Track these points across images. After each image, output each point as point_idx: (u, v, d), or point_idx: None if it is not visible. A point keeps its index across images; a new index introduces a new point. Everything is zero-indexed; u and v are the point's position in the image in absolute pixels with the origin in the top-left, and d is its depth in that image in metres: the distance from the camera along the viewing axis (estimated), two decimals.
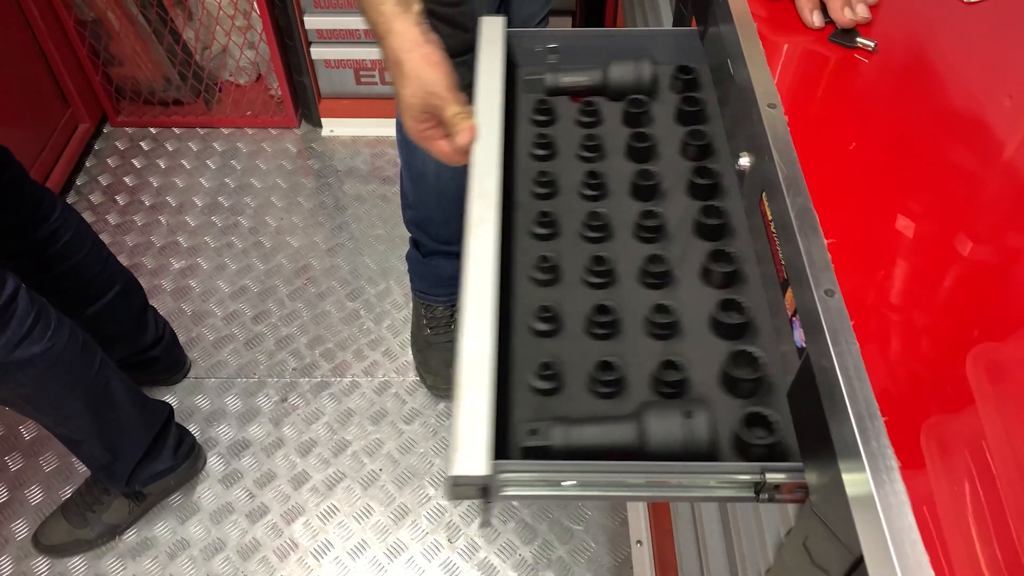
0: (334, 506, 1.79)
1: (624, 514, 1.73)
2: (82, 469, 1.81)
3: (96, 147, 2.59)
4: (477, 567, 1.70)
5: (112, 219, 2.37)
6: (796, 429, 0.71)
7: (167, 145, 2.59)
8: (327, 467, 1.85)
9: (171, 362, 1.97)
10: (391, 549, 1.72)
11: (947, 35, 0.89)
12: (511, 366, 0.79)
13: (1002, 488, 0.53)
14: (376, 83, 2.52)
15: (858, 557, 0.54)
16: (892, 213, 0.72)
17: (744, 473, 0.67)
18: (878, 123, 0.79)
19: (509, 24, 1.51)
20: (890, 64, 0.85)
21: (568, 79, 1.04)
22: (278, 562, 1.71)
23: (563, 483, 0.68)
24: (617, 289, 0.85)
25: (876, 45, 0.85)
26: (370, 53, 2.43)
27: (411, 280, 1.97)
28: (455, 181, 1.60)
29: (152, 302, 1.88)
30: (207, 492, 1.81)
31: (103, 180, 2.48)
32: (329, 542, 1.73)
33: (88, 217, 2.35)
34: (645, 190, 0.92)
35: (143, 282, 1.85)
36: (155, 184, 2.47)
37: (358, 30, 2.38)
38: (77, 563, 1.70)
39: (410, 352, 2.03)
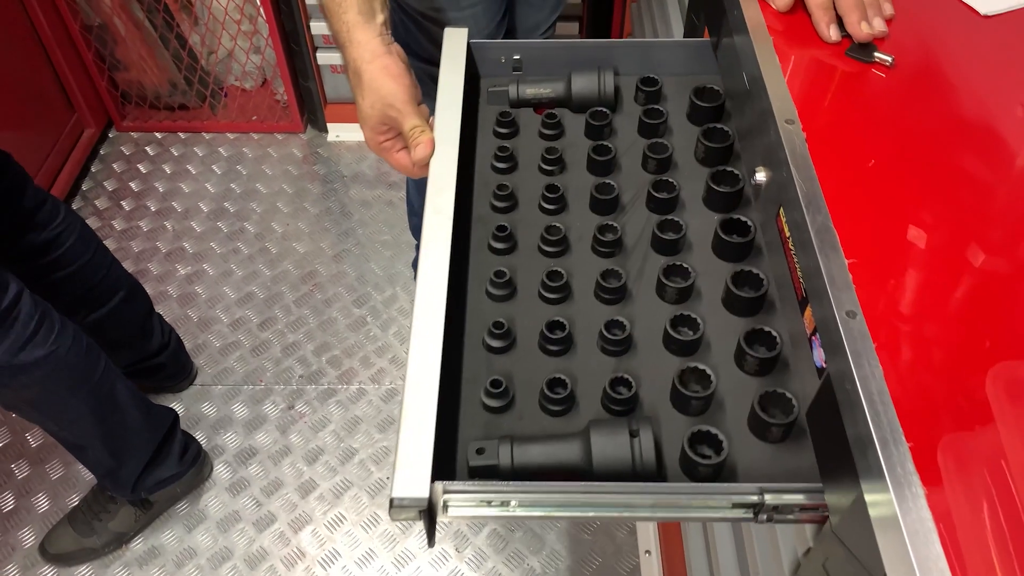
0: (341, 515, 1.78)
1: (632, 524, 1.72)
2: (88, 477, 1.80)
3: (102, 152, 2.58)
4: None
5: (118, 224, 2.37)
6: (815, 448, 0.70)
7: (173, 150, 2.59)
8: (334, 475, 1.84)
9: (177, 369, 1.97)
10: (399, 558, 1.71)
11: (965, 48, 0.88)
12: (462, 382, 0.79)
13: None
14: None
15: None
16: (912, 230, 0.71)
17: (731, 493, 0.67)
18: (897, 139, 0.79)
19: (514, 34, 1.52)
20: (908, 79, 0.85)
21: (531, 91, 1.03)
22: (285, 571, 1.70)
23: (508, 504, 0.67)
24: (573, 304, 0.84)
25: (894, 60, 0.84)
26: None
27: None
28: None
29: (158, 308, 1.87)
30: (214, 500, 1.81)
31: (108, 185, 2.48)
32: (336, 551, 1.73)
33: (94, 223, 2.35)
34: (604, 203, 0.91)
35: (149, 288, 1.85)
36: (161, 189, 2.47)
37: None
38: (84, 572, 1.70)
39: None
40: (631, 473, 0.69)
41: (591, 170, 0.96)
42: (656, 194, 0.90)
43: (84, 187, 2.47)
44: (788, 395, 0.72)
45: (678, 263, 0.83)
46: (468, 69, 1.00)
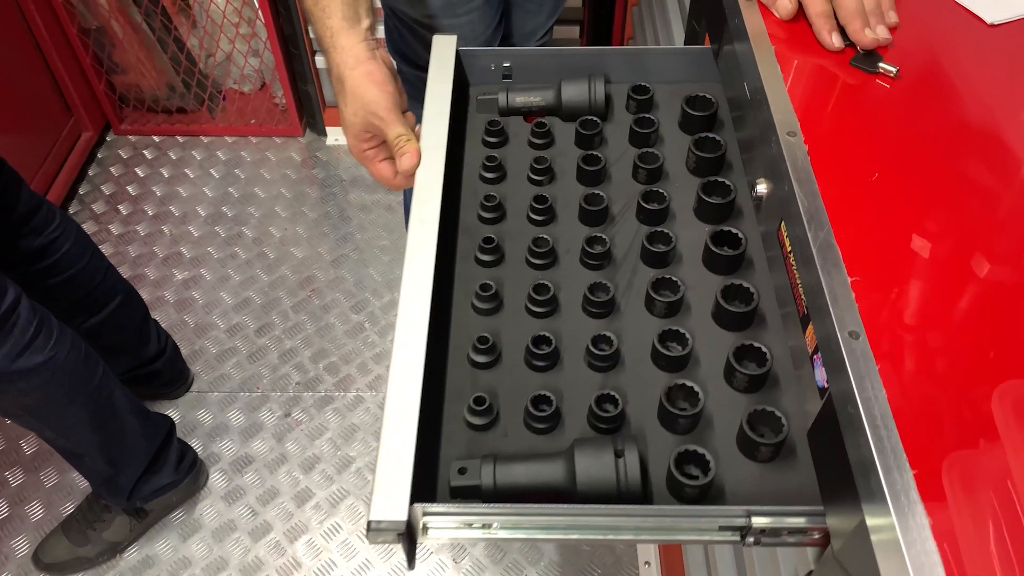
0: (338, 524, 1.76)
1: None
2: (83, 485, 1.79)
3: (99, 155, 2.57)
4: None
5: (115, 229, 2.35)
6: (817, 470, 0.68)
7: (170, 154, 2.58)
8: (331, 484, 1.83)
9: (173, 375, 1.95)
10: (395, 569, 1.70)
11: (971, 59, 0.86)
12: (446, 398, 0.77)
13: None
14: None
15: None
16: (917, 247, 0.69)
17: (718, 516, 0.65)
18: (902, 152, 0.77)
19: (511, 40, 1.50)
20: (913, 90, 0.83)
21: (521, 99, 1.01)
22: None
23: (490, 526, 0.65)
24: (560, 318, 0.82)
25: (898, 71, 0.82)
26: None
27: None
28: None
29: (155, 314, 1.86)
30: (209, 509, 1.79)
31: (106, 189, 2.46)
32: (333, 561, 1.71)
33: (91, 227, 2.33)
34: (593, 215, 0.89)
35: (145, 293, 1.84)
36: (158, 193, 2.46)
37: None
38: None
39: None
40: (616, 494, 0.68)
41: (581, 180, 0.94)
42: (646, 205, 0.88)
43: (81, 191, 2.46)
44: (778, 413, 0.70)
45: (668, 276, 0.81)
46: (457, 76, 0.98)
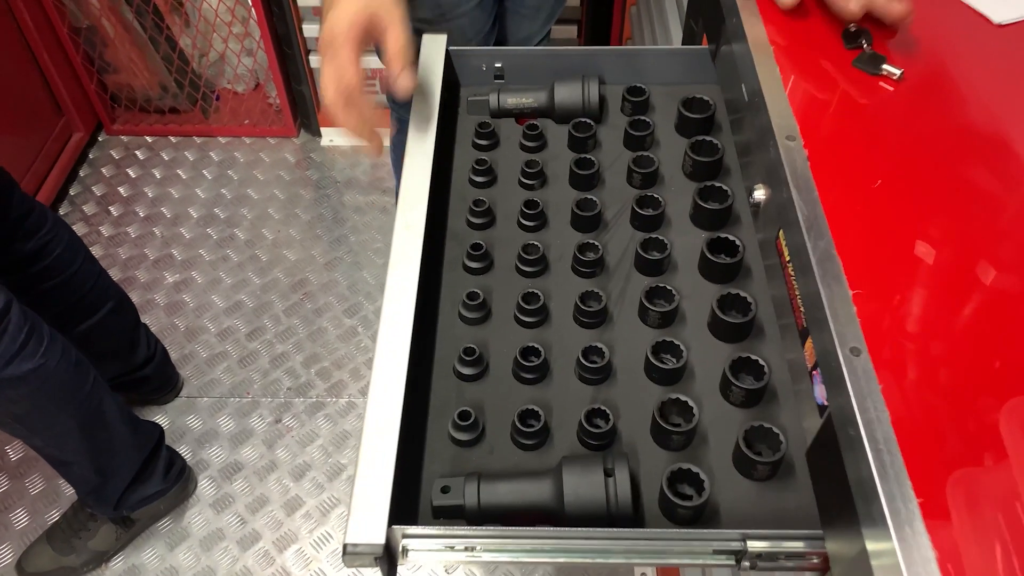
0: (328, 533, 1.73)
1: None
2: (68, 492, 1.75)
3: (91, 156, 2.54)
4: None
5: (105, 230, 2.32)
6: (816, 493, 0.65)
7: (163, 154, 2.54)
8: (321, 492, 1.79)
9: (163, 381, 1.92)
10: None
11: (978, 60, 0.82)
12: (430, 412, 0.74)
13: None
14: (376, 92, 2.46)
15: None
16: (921, 258, 0.66)
17: (712, 540, 0.62)
18: (905, 158, 0.73)
19: (505, 45, 1.46)
20: (918, 93, 0.79)
21: (513, 100, 0.98)
22: None
23: (473, 549, 0.63)
24: (550, 328, 0.80)
25: (902, 73, 0.79)
26: (370, 62, 2.38)
27: None
28: None
29: (145, 317, 1.82)
30: (197, 517, 1.75)
31: (97, 190, 2.43)
32: (322, 571, 1.68)
33: (81, 228, 2.30)
34: (586, 220, 0.86)
35: (136, 296, 1.80)
36: (150, 195, 2.42)
37: None
38: None
39: None
40: (605, 516, 0.65)
41: (573, 184, 0.91)
42: (640, 211, 0.85)
43: (72, 192, 2.43)
44: (776, 430, 0.67)
45: (662, 285, 0.78)
46: (447, 77, 0.95)
